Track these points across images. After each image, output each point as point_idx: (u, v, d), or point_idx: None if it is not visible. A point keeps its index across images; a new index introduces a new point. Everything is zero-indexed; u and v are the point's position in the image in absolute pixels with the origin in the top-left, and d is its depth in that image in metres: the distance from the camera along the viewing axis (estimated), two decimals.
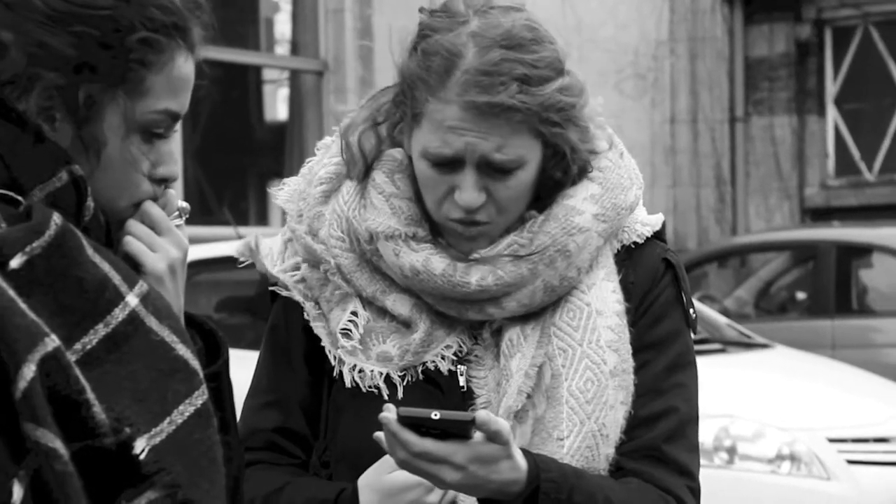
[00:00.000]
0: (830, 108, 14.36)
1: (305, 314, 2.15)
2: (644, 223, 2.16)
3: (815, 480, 6.36)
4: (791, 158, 14.30)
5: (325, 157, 2.18)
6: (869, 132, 14.23)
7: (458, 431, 1.88)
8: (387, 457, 1.98)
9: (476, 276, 2.05)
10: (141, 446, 1.50)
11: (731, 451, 6.38)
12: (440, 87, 2.00)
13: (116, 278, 1.55)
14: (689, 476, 2.09)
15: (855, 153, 14.31)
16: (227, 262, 8.27)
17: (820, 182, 14.33)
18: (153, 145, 1.70)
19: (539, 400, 2.05)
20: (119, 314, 1.53)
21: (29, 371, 1.43)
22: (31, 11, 1.61)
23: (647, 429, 2.07)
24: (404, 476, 1.99)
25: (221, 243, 8.15)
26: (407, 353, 2.09)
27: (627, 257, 2.13)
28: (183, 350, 1.57)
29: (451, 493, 2.01)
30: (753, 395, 6.91)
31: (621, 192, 2.11)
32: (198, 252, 7.95)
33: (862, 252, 10.70)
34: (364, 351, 2.10)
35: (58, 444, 1.44)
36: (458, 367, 2.10)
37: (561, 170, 2.07)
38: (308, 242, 2.14)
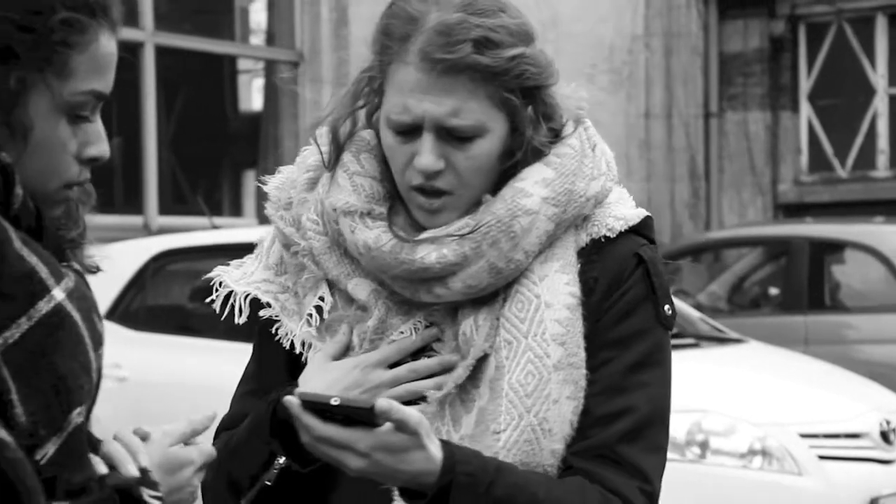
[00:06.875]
0: (804, 104, 14.40)
1: (274, 314, 2.16)
2: (618, 217, 2.11)
3: (786, 475, 6.37)
4: (764, 154, 14.33)
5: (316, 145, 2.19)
6: (842, 128, 14.27)
7: (362, 418, 1.86)
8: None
9: (420, 254, 2.04)
10: (42, 453, 1.53)
11: (704, 446, 6.39)
12: (401, 50, 2.01)
13: (44, 271, 1.55)
14: (644, 478, 2.03)
15: (828, 149, 14.35)
16: (202, 251, 8.28)
17: (793, 178, 14.37)
18: (80, 126, 1.69)
19: (484, 391, 2.03)
20: (43, 307, 1.53)
21: None
22: None
23: (602, 428, 2.03)
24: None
25: (196, 233, 8.13)
26: (364, 340, 2.09)
27: (595, 252, 2.09)
28: (93, 357, 1.58)
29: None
30: (726, 389, 6.92)
31: (580, 180, 2.08)
32: (172, 241, 7.93)
33: (835, 248, 10.73)
34: (331, 337, 2.11)
35: (3, 434, 1.44)
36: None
37: (519, 147, 2.06)
38: (280, 227, 2.16)
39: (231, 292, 2.19)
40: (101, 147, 1.71)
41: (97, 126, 1.71)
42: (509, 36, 2.01)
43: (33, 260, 1.54)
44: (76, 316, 1.55)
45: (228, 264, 2.24)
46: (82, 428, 1.57)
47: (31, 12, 1.61)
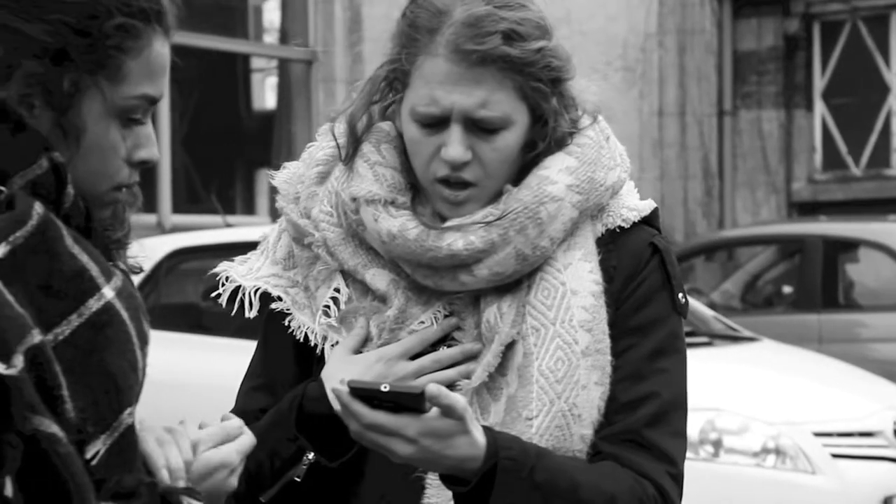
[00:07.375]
0: (818, 103, 14.38)
1: (285, 308, 2.17)
2: (631, 208, 2.16)
3: (799, 474, 6.37)
4: (778, 152, 14.32)
5: (324, 141, 2.21)
6: (856, 127, 14.26)
7: (410, 404, 1.87)
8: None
9: (447, 241, 2.06)
10: (93, 451, 1.54)
11: (717, 445, 6.39)
12: (429, 42, 2.04)
13: (94, 269, 1.57)
14: (670, 462, 2.08)
15: (842, 148, 14.34)
16: (215, 249, 8.30)
17: (807, 176, 14.36)
18: (131, 129, 1.71)
19: (512, 378, 2.06)
20: (94, 304, 1.55)
21: (18, 361, 1.45)
22: (5, 0, 1.61)
23: (628, 413, 2.07)
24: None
25: (209, 231, 8.14)
26: (383, 331, 2.11)
27: (611, 241, 2.14)
28: (140, 356, 1.59)
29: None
30: (739, 388, 6.92)
31: (600, 169, 2.12)
32: (186, 240, 7.95)
33: (849, 246, 10.72)
34: (348, 329, 2.13)
35: (55, 429, 1.46)
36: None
37: (541, 138, 2.09)
38: (293, 219, 2.17)
39: (238, 288, 2.20)
40: (151, 150, 1.73)
41: (148, 129, 1.73)
42: (535, 29, 2.05)
43: (84, 258, 1.56)
44: (124, 315, 1.57)
45: (233, 261, 2.25)
46: (133, 429, 1.58)
47: (87, 16, 1.63)
